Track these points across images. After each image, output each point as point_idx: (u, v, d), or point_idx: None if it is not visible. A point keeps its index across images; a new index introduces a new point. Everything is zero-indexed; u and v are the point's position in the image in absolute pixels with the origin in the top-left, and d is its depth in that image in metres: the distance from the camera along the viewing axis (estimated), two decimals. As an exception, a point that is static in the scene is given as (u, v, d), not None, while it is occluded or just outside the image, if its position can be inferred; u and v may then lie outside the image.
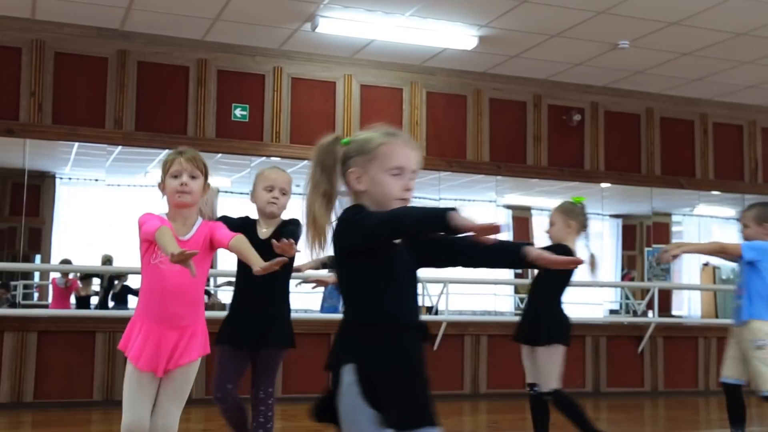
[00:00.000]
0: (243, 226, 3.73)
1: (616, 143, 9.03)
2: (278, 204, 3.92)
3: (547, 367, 4.48)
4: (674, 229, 9.83)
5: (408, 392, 2.16)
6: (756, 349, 4.71)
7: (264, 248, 3.40)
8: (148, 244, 3.11)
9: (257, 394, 3.89)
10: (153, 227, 2.99)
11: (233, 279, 4.08)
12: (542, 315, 4.57)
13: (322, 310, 8.13)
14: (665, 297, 9.38)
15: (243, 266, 3.71)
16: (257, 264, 3.03)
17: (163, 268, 3.09)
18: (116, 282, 8.07)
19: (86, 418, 6.47)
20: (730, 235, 8.82)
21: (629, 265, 9.77)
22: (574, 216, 4.57)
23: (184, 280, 3.04)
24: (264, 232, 3.89)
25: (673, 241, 9.65)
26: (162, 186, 3.21)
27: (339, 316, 2.33)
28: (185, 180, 3.15)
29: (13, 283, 7.91)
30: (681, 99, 9.22)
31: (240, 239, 3.18)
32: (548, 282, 4.63)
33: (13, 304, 7.74)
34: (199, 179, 3.21)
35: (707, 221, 9.84)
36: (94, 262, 7.65)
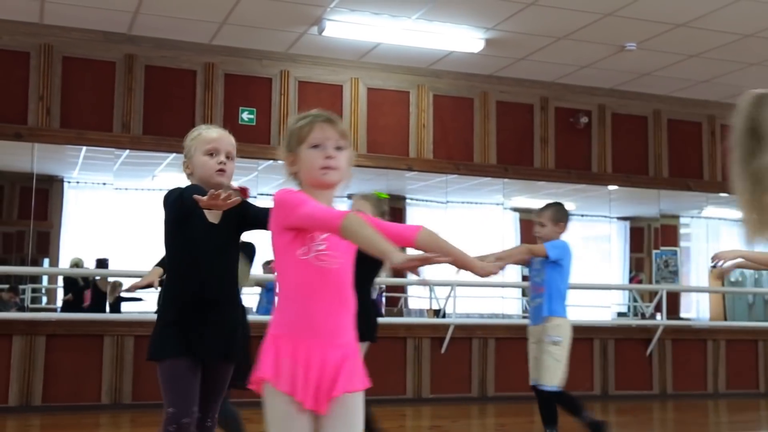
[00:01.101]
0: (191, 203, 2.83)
1: (624, 145, 9.01)
2: (227, 172, 3.08)
3: None
4: (682, 231, 9.80)
5: None
6: (551, 344, 4.81)
7: (212, 236, 2.97)
8: (297, 232, 2.25)
9: (204, 421, 3.02)
10: (324, 211, 2.20)
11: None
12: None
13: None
14: (673, 299, 9.35)
15: (191, 256, 2.98)
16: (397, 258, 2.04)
17: (324, 265, 2.25)
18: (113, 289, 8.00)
19: (94, 421, 6.48)
20: (738, 236, 8.80)
21: (637, 268, 9.74)
22: None
23: (347, 280, 2.32)
24: (212, 213, 2.97)
25: (682, 243, 9.63)
26: (292, 159, 2.39)
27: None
28: (331, 153, 2.33)
29: (21, 286, 7.93)
30: (688, 101, 9.20)
31: (426, 232, 2.34)
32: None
33: (22, 308, 7.76)
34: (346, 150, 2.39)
35: (715, 223, 9.82)
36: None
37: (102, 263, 7.59)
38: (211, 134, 3.12)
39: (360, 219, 2.15)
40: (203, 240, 2.99)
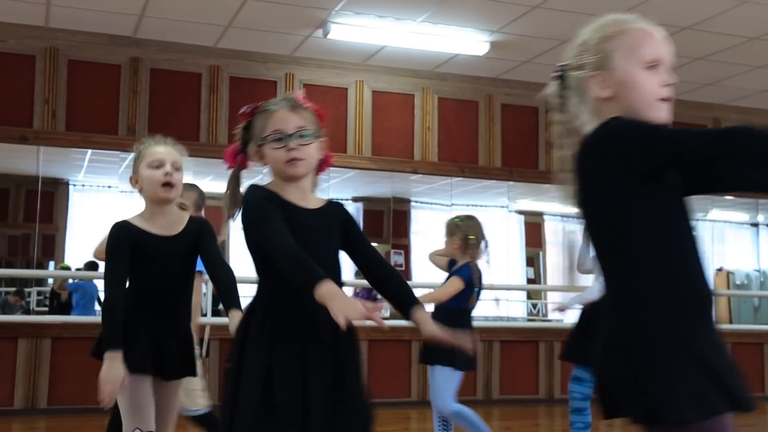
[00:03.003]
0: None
1: (629, 148, 8.99)
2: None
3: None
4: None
5: None
6: None
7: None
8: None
9: None
10: None
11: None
12: None
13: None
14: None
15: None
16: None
17: None
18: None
19: (100, 424, 6.45)
20: (744, 239, 8.79)
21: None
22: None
23: None
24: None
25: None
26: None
27: None
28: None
29: (27, 289, 7.94)
30: (694, 104, 9.18)
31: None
32: None
33: (27, 311, 7.78)
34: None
35: (721, 226, 9.80)
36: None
37: (92, 266, 7.61)
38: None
39: None
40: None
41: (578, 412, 4.94)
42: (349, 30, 7.06)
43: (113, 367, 2.72)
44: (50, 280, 8.27)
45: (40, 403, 6.76)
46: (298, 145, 2.26)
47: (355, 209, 8.67)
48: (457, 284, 4.48)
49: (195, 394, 4.02)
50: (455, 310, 4.44)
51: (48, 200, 7.79)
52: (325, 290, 2.01)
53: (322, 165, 2.41)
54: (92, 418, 6.62)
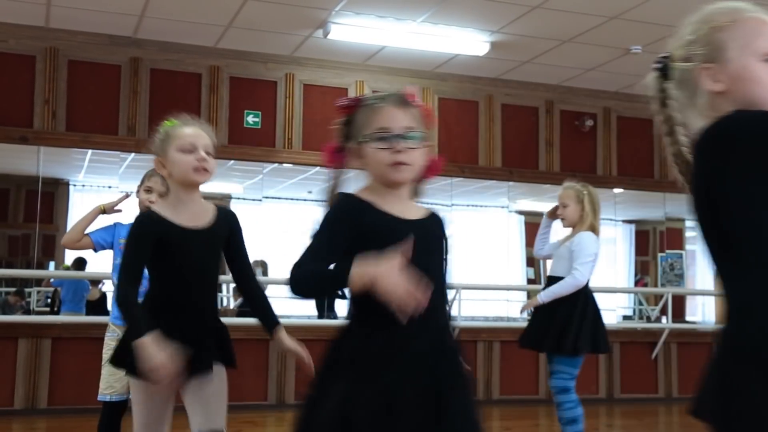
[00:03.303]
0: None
1: (629, 148, 9.00)
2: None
3: None
4: (688, 234, 9.78)
5: None
6: None
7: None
8: None
9: None
10: None
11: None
12: None
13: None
14: (679, 303, 9.33)
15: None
16: None
17: None
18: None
19: (100, 424, 6.48)
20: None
21: (642, 271, 9.73)
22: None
23: None
24: (195, 215, 2.73)
25: (688, 246, 9.61)
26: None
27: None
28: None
29: (27, 289, 7.94)
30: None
31: None
32: None
33: (27, 311, 7.78)
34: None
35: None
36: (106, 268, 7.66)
37: (80, 263, 7.61)
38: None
39: None
40: None
41: (561, 402, 4.82)
42: (350, 30, 7.06)
43: (149, 353, 2.47)
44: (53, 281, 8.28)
45: (40, 404, 6.76)
46: (405, 148, 2.01)
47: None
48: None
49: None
50: None
51: (48, 200, 7.79)
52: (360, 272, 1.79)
53: (428, 171, 2.14)
54: (92, 419, 6.60)
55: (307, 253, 1.93)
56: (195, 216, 2.71)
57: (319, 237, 1.96)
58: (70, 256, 7.79)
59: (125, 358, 2.65)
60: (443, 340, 2.03)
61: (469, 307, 8.03)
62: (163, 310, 2.65)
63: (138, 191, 4.05)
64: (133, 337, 2.54)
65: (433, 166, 2.14)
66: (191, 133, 2.76)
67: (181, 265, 2.69)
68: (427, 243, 2.01)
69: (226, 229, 2.79)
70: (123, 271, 2.67)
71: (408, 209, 2.06)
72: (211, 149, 2.77)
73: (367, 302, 1.85)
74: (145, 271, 2.74)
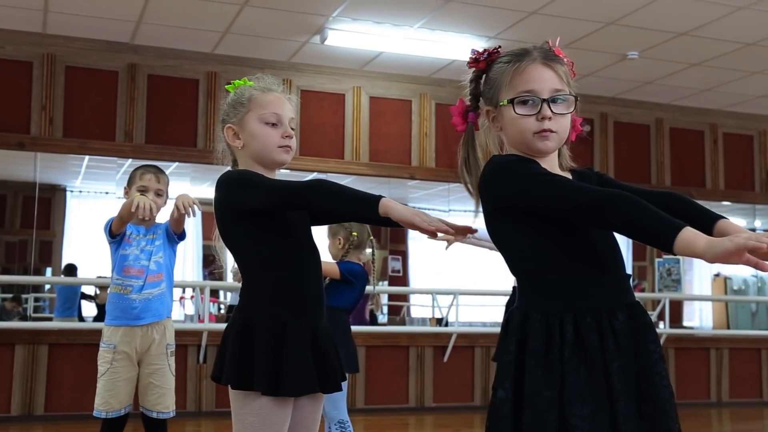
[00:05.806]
0: None
1: (626, 154, 9.02)
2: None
3: None
4: (685, 239, 9.78)
5: None
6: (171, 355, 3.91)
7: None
8: None
9: None
10: None
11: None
12: None
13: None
14: (676, 308, 9.33)
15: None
16: None
17: None
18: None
19: (97, 431, 6.46)
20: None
21: (640, 276, 9.73)
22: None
23: None
24: None
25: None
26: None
27: None
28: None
29: (24, 296, 7.93)
30: (690, 109, 9.20)
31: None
32: None
33: (24, 317, 7.76)
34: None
35: (718, 232, 9.80)
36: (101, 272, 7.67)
37: (70, 270, 7.60)
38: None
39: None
40: None
41: None
42: (347, 36, 7.06)
43: (398, 209, 1.97)
44: (47, 287, 8.26)
45: (37, 410, 6.74)
46: (554, 114, 1.79)
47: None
48: (333, 267, 4.05)
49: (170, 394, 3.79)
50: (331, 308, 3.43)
51: (45, 206, 7.78)
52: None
53: (571, 133, 1.93)
54: (89, 425, 6.61)
55: (569, 183, 1.77)
56: None
57: (545, 177, 1.75)
58: (66, 262, 7.79)
59: (243, 372, 2.11)
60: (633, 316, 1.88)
61: (466, 313, 8.02)
62: (281, 308, 2.21)
63: (127, 192, 3.84)
64: (371, 202, 1.97)
65: (575, 124, 1.94)
66: (277, 101, 2.33)
67: (292, 252, 2.29)
68: None
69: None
70: (276, 187, 2.22)
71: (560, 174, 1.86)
72: (295, 122, 2.37)
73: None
74: (235, 265, 2.31)
